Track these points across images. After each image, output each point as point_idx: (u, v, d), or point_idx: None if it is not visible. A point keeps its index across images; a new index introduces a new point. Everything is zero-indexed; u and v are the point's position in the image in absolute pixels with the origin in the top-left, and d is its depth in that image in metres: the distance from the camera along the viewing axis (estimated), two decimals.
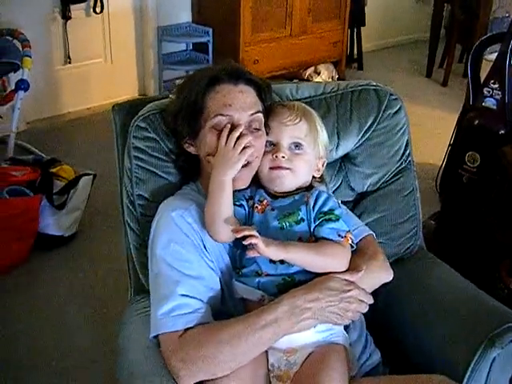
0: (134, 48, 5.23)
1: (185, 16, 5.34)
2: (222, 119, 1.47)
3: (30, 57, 3.79)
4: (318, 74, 5.66)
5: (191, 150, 1.57)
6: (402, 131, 1.89)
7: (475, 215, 2.96)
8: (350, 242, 1.47)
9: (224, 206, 1.44)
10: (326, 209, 1.48)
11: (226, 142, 1.44)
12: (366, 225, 1.82)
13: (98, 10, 4.77)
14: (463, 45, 5.95)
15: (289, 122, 1.54)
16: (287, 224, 1.47)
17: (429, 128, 4.45)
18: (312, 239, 1.47)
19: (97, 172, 3.37)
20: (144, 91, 5.34)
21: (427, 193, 3.55)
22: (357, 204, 1.90)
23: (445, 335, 1.62)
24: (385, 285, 1.60)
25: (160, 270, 1.47)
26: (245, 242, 1.37)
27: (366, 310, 1.47)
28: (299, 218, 1.48)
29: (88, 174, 3.32)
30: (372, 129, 1.86)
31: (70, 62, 4.78)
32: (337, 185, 1.89)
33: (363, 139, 1.86)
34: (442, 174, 3.54)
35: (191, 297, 1.42)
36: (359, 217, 1.84)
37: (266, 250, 1.37)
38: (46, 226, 3.17)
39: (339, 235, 1.46)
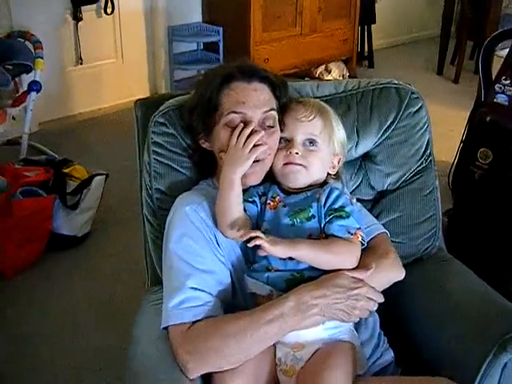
0: (145, 48, 5.25)
1: (195, 16, 5.36)
2: (235, 116, 1.49)
3: (42, 58, 3.82)
4: (329, 72, 5.65)
5: (206, 145, 1.60)
6: (422, 130, 1.89)
7: (487, 212, 2.95)
8: (359, 239, 1.47)
9: (233, 203, 1.46)
10: (336, 205, 1.48)
11: (236, 140, 1.45)
12: (385, 224, 1.82)
13: (108, 10, 4.80)
14: (474, 41, 5.92)
15: (303, 118, 1.54)
16: (298, 221, 1.48)
17: (441, 125, 4.43)
18: (322, 236, 1.47)
19: (109, 172, 3.38)
20: (155, 91, 5.35)
21: (439, 190, 3.54)
22: (376, 203, 1.90)
23: (456, 337, 1.61)
24: (400, 283, 1.59)
25: (172, 263, 1.49)
26: (249, 245, 1.39)
27: (374, 308, 1.46)
28: (310, 214, 1.48)
29: (101, 174, 3.33)
30: (392, 127, 1.86)
31: (81, 63, 4.80)
32: (357, 183, 1.89)
33: (383, 138, 1.86)
34: (454, 170, 3.52)
35: (201, 290, 1.44)
36: (378, 215, 1.85)
37: (273, 250, 1.38)
38: (59, 226, 3.19)
39: (349, 232, 1.46)
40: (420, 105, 1.89)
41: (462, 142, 3.41)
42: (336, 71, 5.68)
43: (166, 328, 1.46)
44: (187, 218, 1.51)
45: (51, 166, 3.27)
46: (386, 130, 1.85)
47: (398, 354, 1.64)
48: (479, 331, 1.57)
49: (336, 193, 1.50)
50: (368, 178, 1.90)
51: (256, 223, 1.51)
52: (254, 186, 1.55)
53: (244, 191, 1.50)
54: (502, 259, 2.82)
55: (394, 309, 1.52)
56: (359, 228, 1.48)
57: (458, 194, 3.36)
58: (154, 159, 1.72)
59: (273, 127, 1.53)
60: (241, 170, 1.44)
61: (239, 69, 1.54)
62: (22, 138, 3.92)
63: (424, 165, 1.90)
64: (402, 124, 1.86)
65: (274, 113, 1.54)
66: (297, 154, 1.52)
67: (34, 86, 3.79)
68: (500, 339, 1.50)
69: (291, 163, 1.52)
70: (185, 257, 1.47)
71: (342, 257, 1.45)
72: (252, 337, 1.37)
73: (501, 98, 2.97)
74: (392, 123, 1.85)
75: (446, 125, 4.48)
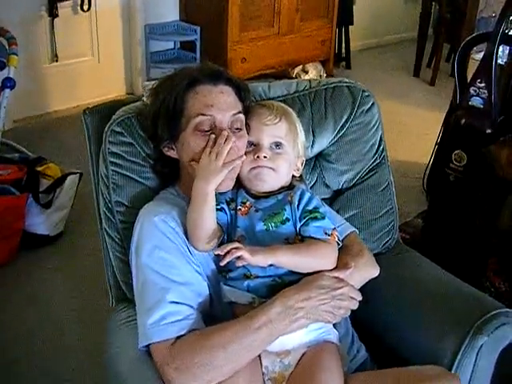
0: (121, 46, 5.22)
1: (172, 14, 5.33)
2: (203, 119, 1.46)
3: (17, 55, 3.75)
4: (306, 72, 5.66)
5: (171, 153, 1.55)
6: (375, 127, 1.92)
7: (462, 214, 2.97)
8: (336, 239, 1.48)
9: (206, 217, 1.42)
10: (310, 207, 1.48)
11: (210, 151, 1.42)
12: None
13: (85, 7, 4.75)
14: (451, 44, 5.96)
15: (268, 121, 1.54)
16: (272, 225, 1.47)
17: (416, 127, 4.46)
18: (298, 239, 1.47)
19: (83, 171, 3.34)
20: (132, 89, 5.32)
21: (414, 191, 3.56)
22: (333, 201, 1.92)
23: (429, 326, 1.64)
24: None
25: (146, 277, 1.44)
26: (227, 258, 1.37)
27: (356, 306, 1.47)
28: (284, 217, 1.47)
29: (74, 173, 3.31)
30: (347, 126, 1.88)
31: (57, 60, 4.76)
32: (312, 182, 1.90)
33: (338, 136, 1.88)
34: (429, 172, 3.55)
35: (181, 303, 1.40)
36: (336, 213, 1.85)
37: (253, 260, 1.37)
38: (32, 225, 3.16)
39: (326, 233, 1.46)
40: (372, 102, 1.92)
41: (436, 144, 3.44)
42: (313, 72, 5.69)
43: (146, 346, 1.41)
44: (157, 229, 1.46)
45: (24, 164, 3.24)
46: (340, 129, 1.88)
47: (370, 351, 1.66)
48: (452, 317, 1.62)
49: (308, 194, 1.51)
50: (323, 176, 1.91)
51: (227, 231, 1.49)
52: (220, 193, 1.50)
53: None
54: (476, 260, 2.84)
55: (362, 306, 1.52)
56: (334, 228, 1.49)
57: (432, 196, 3.39)
58: (112, 170, 1.64)
59: (241, 130, 1.51)
60: (215, 183, 1.41)
61: (203, 72, 1.52)
62: None
63: (378, 161, 1.93)
64: (355, 122, 1.89)
65: (242, 116, 1.52)
66: (265, 157, 1.51)
67: (8, 82, 3.73)
68: (475, 322, 1.55)
69: (260, 167, 1.51)
70: (159, 270, 1.43)
71: (321, 258, 1.46)
72: (241, 345, 1.35)
73: (476, 101, 2.99)
74: (346, 121, 1.88)
75: (421, 127, 4.50)
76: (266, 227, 1.46)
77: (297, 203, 1.48)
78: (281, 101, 1.79)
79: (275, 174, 1.52)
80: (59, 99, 4.88)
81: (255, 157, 1.51)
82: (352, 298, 1.46)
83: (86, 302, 2.84)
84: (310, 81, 1.95)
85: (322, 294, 1.41)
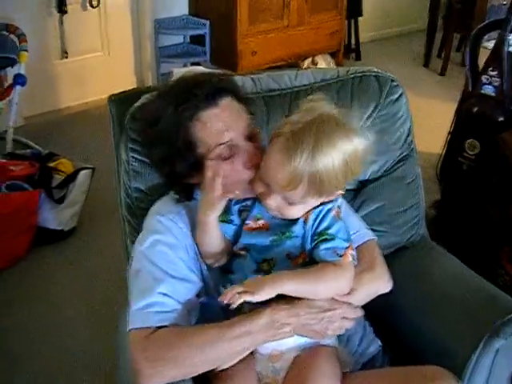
0: (131, 41, 5.22)
1: (181, 8, 5.32)
2: (222, 148, 1.40)
3: (27, 51, 3.78)
4: (316, 64, 5.64)
5: (192, 180, 1.49)
6: (403, 118, 1.88)
7: (475, 203, 2.95)
8: (350, 258, 1.37)
9: (207, 242, 1.42)
10: (320, 229, 1.38)
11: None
12: (368, 213, 1.82)
13: (94, 3, 4.76)
14: (461, 33, 5.93)
15: (279, 186, 1.32)
16: (277, 240, 1.40)
17: (428, 117, 4.44)
18: (304, 255, 1.39)
19: (96, 166, 3.36)
20: (142, 84, 5.30)
21: (427, 181, 3.51)
22: (359, 192, 1.88)
23: (446, 325, 1.60)
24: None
25: (142, 266, 1.43)
26: (235, 305, 1.27)
27: (350, 326, 1.44)
28: (293, 235, 1.39)
29: (87, 168, 3.32)
30: (373, 116, 1.85)
31: (67, 57, 4.77)
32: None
33: (365, 127, 1.83)
34: (441, 162, 3.53)
35: (170, 296, 1.38)
36: (360, 205, 1.84)
37: (259, 298, 1.29)
38: (45, 221, 3.17)
39: (337, 254, 1.36)
40: (400, 92, 1.88)
41: (449, 133, 3.42)
42: (323, 64, 5.66)
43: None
44: (163, 227, 1.46)
45: (37, 160, 3.26)
46: (367, 119, 1.84)
47: (386, 344, 1.64)
48: (469, 318, 1.57)
49: (323, 213, 1.39)
50: None
51: (234, 242, 1.45)
52: (235, 200, 1.45)
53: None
54: (489, 250, 2.82)
55: (380, 299, 1.51)
56: (348, 246, 1.38)
57: (446, 186, 3.37)
58: (132, 157, 1.65)
59: (257, 135, 1.46)
60: (212, 214, 1.38)
61: (197, 92, 1.40)
62: (7, 132, 3.88)
63: (406, 153, 1.89)
64: (382, 112, 1.85)
65: (250, 119, 1.46)
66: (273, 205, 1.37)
67: (19, 79, 3.76)
68: (492, 325, 1.50)
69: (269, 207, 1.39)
70: (157, 262, 1.42)
71: (334, 282, 1.37)
72: (218, 350, 1.32)
73: (488, 89, 2.97)
74: (373, 112, 1.84)
75: (433, 117, 4.49)
76: (270, 244, 1.40)
77: (312, 222, 1.38)
78: (307, 90, 1.77)
79: (284, 217, 1.39)
80: (70, 95, 4.88)
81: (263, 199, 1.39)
82: (346, 317, 1.42)
83: (99, 297, 2.85)
84: (338, 69, 1.92)
85: (311, 314, 1.36)
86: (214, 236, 1.42)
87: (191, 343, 1.32)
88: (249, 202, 1.45)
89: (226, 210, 1.44)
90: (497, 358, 1.50)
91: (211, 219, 1.39)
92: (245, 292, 1.27)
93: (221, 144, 1.40)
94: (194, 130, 1.41)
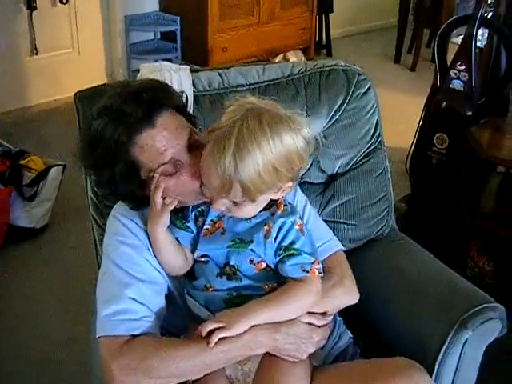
0: (101, 38, 5.19)
1: (152, 5, 5.30)
2: (165, 167, 1.35)
3: None
4: (287, 60, 5.66)
5: (140, 194, 1.43)
6: (371, 111, 1.89)
7: (445, 196, 2.99)
8: (316, 273, 1.35)
9: (166, 260, 1.41)
10: (286, 243, 1.34)
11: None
12: (337, 206, 1.84)
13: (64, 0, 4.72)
14: (431, 29, 5.98)
15: (217, 192, 1.28)
16: (235, 247, 1.37)
17: (398, 112, 4.48)
18: (264, 262, 1.36)
19: (67, 163, 3.33)
20: (112, 81, 5.26)
21: (397, 176, 3.57)
22: (328, 186, 1.89)
23: (416, 316, 1.63)
24: (355, 266, 1.59)
25: (108, 269, 1.41)
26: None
27: (322, 344, 1.45)
28: (249, 247, 1.36)
29: (58, 165, 3.29)
30: (341, 110, 1.85)
31: (36, 53, 4.73)
32: (307, 167, 1.85)
33: (333, 120, 1.85)
34: (411, 156, 3.57)
35: (138, 302, 1.36)
36: (330, 199, 1.85)
37: (234, 332, 1.28)
38: (16, 218, 3.15)
39: (304, 270, 1.34)
40: (368, 86, 1.89)
41: (418, 127, 3.46)
42: (294, 60, 5.67)
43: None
44: (124, 227, 1.44)
45: (7, 158, 3.22)
46: (335, 113, 1.85)
47: (356, 336, 1.65)
48: (439, 309, 1.60)
49: (287, 226, 1.35)
50: (318, 161, 1.86)
51: (192, 249, 1.43)
52: (193, 205, 1.43)
53: (182, 210, 1.43)
54: (459, 242, 2.86)
55: None
56: (314, 261, 1.36)
57: (415, 180, 3.41)
58: None
59: (199, 142, 1.38)
60: (158, 227, 1.36)
61: (130, 111, 1.32)
62: None
63: (374, 146, 1.90)
64: (351, 106, 1.86)
65: (192, 132, 1.40)
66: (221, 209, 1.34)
67: None
68: (460, 316, 1.53)
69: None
70: (121, 264, 1.39)
71: (303, 302, 1.36)
72: (194, 364, 1.31)
73: (456, 84, 3.01)
74: (341, 105, 1.85)
75: (403, 111, 4.54)
76: (227, 250, 1.37)
77: (274, 236, 1.34)
78: (275, 84, 1.77)
79: (240, 216, 1.36)
80: (40, 92, 4.85)
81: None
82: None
83: (73, 293, 2.83)
84: (305, 63, 1.91)
85: (287, 339, 1.36)
86: (169, 251, 1.40)
87: (167, 356, 1.31)
88: (204, 207, 1.42)
89: (183, 217, 1.43)
90: (465, 349, 1.53)
91: (159, 234, 1.37)
92: (220, 328, 1.27)
93: (162, 164, 1.35)
94: (133, 153, 1.35)
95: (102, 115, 1.36)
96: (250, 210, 1.33)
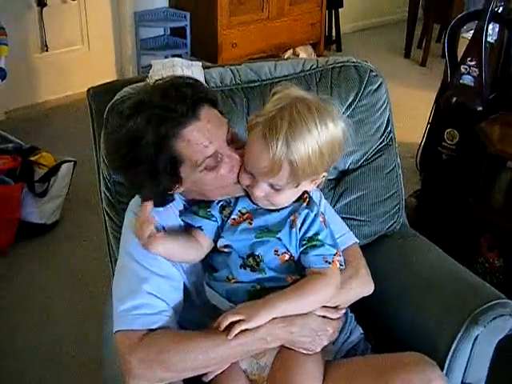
0: (111, 34, 5.20)
1: (161, 0, 5.31)
2: (209, 160, 1.36)
3: (7, 45, 3.74)
4: (297, 56, 5.65)
5: (178, 190, 1.43)
6: (383, 108, 1.89)
7: (455, 192, 2.98)
8: (338, 265, 1.39)
9: (171, 258, 1.40)
10: (310, 234, 1.38)
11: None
12: (348, 203, 1.84)
13: None
14: (441, 24, 5.96)
15: (263, 173, 1.32)
16: (262, 237, 1.39)
17: (408, 107, 4.47)
18: (289, 253, 1.39)
19: (78, 159, 3.35)
20: (122, 77, 5.26)
21: (408, 171, 3.56)
22: (339, 182, 1.89)
23: (427, 312, 1.63)
24: (367, 262, 1.59)
25: (126, 264, 1.42)
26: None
27: (335, 337, 1.47)
28: (276, 236, 1.38)
29: (68, 161, 3.31)
30: (353, 106, 1.85)
31: (47, 50, 4.74)
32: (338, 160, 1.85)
33: (344, 116, 1.82)
34: (421, 152, 3.56)
35: (156, 296, 1.36)
36: (341, 194, 1.85)
37: (254, 325, 1.30)
38: (28, 215, 3.17)
39: (326, 261, 1.37)
40: (379, 82, 1.88)
41: (428, 123, 3.45)
42: (304, 55, 5.67)
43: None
44: None
45: (18, 154, 3.24)
46: (346, 109, 1.84)
47: (368, 332, 1.65)
48: (450, 306, 1.60)
49: (310, 218, 1.39)
50: None
51: (216, 240, 1.44)
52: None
53: (204, 202, 1.44)
54: (469, 237, 2.86)
55: None
56: (336, 253, 1.40)
57: (425, 175, 3.40)
58: None
59: (236, 136, 1.43)
60: (157, 251, 1.36)
61: (175, 106, 1.31)
62: None
63: (385, 142, 1.90)
64: (362, 102, 1.86)
65: (229, 126, 1.42)
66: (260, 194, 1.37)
67: None
68: (471, 313, 1.53)
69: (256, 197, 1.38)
70: (140, 260, 1.39)
71: (321, 294, 1.38)
72: (211, 358, 1.32)
73: (466, 79, 3.00)
74: (353, 102, 1.85)
75: (413, 107, 4.52)
76: (254, 241, 1.39)
77: (299, 226, 1.38)
78: (286, 80, 1.76)
79: (275, 205, 1.39)
80: (50, 89, 4.86)
81: (249, 189, 1.38)
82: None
83: (83, 289, 2.84)
84: (317, 60, 1.91)
85: (302, 333, 1.38)
86: (177, 256, 1.40)
87: (185, 349, 1.32)
88: (231, 199, 1.44)
89: (207, 206, 1.43)
90: (476, 345, 1.53)
91: (161, 253, 1.36)
92: (240, 320, 1.29)
93: (208, 157, 1.35)
94: (176, 147, 1.34)
95: (139, 112, 1.33)
96: (288, 196, 1.38)
